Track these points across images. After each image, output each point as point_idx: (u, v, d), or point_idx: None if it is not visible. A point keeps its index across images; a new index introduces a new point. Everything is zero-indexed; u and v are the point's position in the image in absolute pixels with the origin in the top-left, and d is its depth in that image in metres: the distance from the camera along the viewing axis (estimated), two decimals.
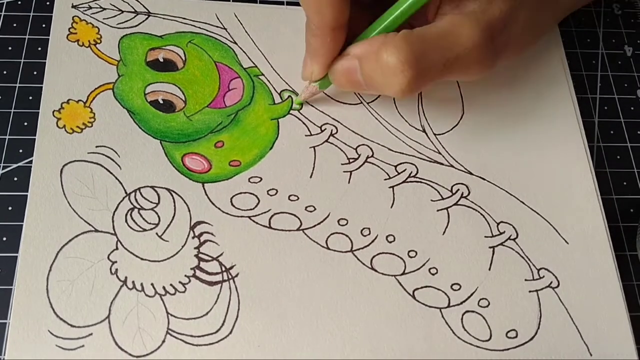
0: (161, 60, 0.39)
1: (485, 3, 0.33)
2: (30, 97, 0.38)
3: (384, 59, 0.31)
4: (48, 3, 0.41)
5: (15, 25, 0.40)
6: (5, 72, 0.39)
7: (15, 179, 0.36)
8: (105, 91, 0.38)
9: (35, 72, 0.39)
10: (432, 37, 0.32)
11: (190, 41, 0.40)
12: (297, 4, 0.43)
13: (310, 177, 0.37)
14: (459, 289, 0.35)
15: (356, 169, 0.38)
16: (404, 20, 0.33)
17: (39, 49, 0.39)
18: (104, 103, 0.37)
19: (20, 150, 0.37)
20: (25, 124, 0.37)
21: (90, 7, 0.40)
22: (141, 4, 0.40)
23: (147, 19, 0.40)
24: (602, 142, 0.42)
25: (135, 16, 0.40)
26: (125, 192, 0.35)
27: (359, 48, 0.33)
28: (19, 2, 0.41)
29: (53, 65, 0.38)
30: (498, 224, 0.37)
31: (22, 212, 0.34)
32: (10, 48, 0.39)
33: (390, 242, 0.36)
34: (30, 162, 0.36)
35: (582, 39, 0.45)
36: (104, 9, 0.40)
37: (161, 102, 0.38)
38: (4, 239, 0.34)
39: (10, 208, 0.35)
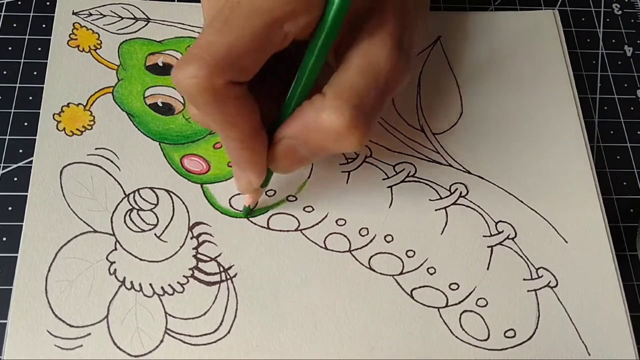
0: (160, 64, 0.39)
1: (378, 19, 0.30)
2: (31, 98, 0.38)
3: (329, 125, 0.29)
4: (48, 3, 0.41)
5: (15, 25, 0.41)
6: (5, 73, 0.39)
7: (15, 179, 0.36)
8: (105, 95, 0.38)
9: (35, 73, 0.39)
10: (355, 79, 0.29)
11: (189, 46, 0.40)
12: None
13: (309, 177, 0.37)
14: (457, 289, 0.35)
15: (354, 169, 0.38)
16: (314, 82, 0.30)
17: (39, 49, 0.40)
18: (104, 106, 0.38)
19: (20, 151, 0.37)
20: (26, 124, 0.38)
21: (90, 14, 0.40)
22: (140, 10, 0.41)
23: (146, 25, 0.41)
24: (602, 142, 0.42)
25: (134, 22, 0.41)
26: (124, 193, 0.36)
27: (291, 127, 0.31)
28: (19, 2, 0.42)
29: (53, 70, 0.38)
30: (496, 223, 0.37)
31: (22, 212, 0.35)
32: (10, 48, 0.40)
33: (389, 242, 0.36)
34: (31, 162, 0.36)
35: (582, 39, 0.45)
36: (104, 15, 0.41)
37: (160, 104, 0.38)
38: (4, 239, 0.35)
39: (10, 208, 0.36)
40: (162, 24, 0.41)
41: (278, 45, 0.29)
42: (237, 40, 0.27)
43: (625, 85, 0.44)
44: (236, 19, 0.28)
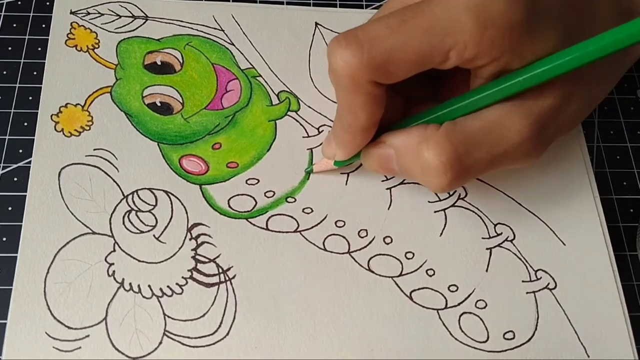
0: (159, 63, 0.39)
1: (536, 89, 0.29)
2: (30, 98, 0.38)
3: (424, 157, 0.29)
4: (48, 3, 0.41)
5: (15, 25, 0.41)
6: (5, 73, 0.39)
7: (15, 179, 0.36)
8: (103, 95, 0.38)
9: (35, 73, 0.39)
10: (477, 132, 0.29)
11: (188, 44, 0.40)
12: (296, 4, 0.43)
13: (308, 178, 0.37)
14: (456, 291, 0.35)
15: (353, 171, 0.38)
16: (449, 118, 0.31)
17: (39, 49, 0.40)
18: (102, 106, 0.38)
19: (20, 151, 0.37)
20: (25, 124, 0.38)
21: (88, 13, 0.40)
22: (139, 8, 0.41)
23: (144, 23, 0.40)
24: (602, 142, 0.42)
25: (132, 20, 0.40)
26: (123, 195, 0.35)
27: (397, 139, 0.31)
28: (19, 3, 0.41)
29: (51, 70, 0.38)
30: (495, 225, 0.37)
31: (21, 213, 0.34)
32: (10, 48, 0.40)
33: (388, 243, 0.36)
34: (30, 162, 0.36)
35: None
36: (102, 14, 0.40)
37: (159, 104, 0.38)
38: (4, 239, 0.35)
39: (10, 208, 0.35)
40: (161, 22, 0.41)
41: (437, 65, 0.29)
42: (401, 47, 0.28)
43: (625, 85, 0.44)
44: (412, 27, 0.28)
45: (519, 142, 0.30)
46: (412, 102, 0.34)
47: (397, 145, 0.31)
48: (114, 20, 0.40)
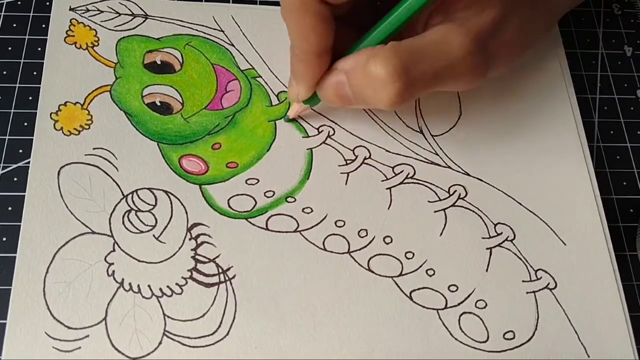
0: (158, 62, 0.39)
1: (475, 11, 0.32)
2: (30, 98, 0.38)
3: (372, 71, 0.31)
4: (48, 3, 0.41)
5: (15, 25, 0.40)
6: (5, 72, 0.39)
7: (15, 179, 0.36)
8: (102, 93, 0.38)
9: (35, 73, 0.39)
10: (421, 47, 0.31)
11: (188, 43, 0.40)
12: None
13: (308, 178, 0.37)
14: (456, 291, 0.35)
15: (353, 171, 0.38)
16: (392, 33, 0.32)
17: (39, 49, 0.40)
18: (102, 105, 0.37)
19: (20, 151, 0.37)
20: (25, 124, 0.37)
21: (87, 10, 0.40)
22: (139, 6, 0.41)
23: (144, 21, 0.40)
24: (602, 142, 0.42)
25: (132, 19, 0.40)
26: (122, 194, 0.35)
27: (347, 62, 0.33)
28: (19, 3, 0.41)
29: (50, 68, 0.38)
30: (495, 225, 0.37)
31: (21, 212, 0.34)
32: (10, 48, 0.40)
33: (388, 243, 0.36)
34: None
35: (582, 39, 0.45)
36: (102, 11, 0.40)
37: (158, 104, 0.38)
38: (4, 239, 0.35)
39: (10, 208, 0.35)
40: (161, 21, 0.40)
41: None
42: None
43: (625, 85, 0.44)
44: None
45: (462, 56, 0.31)
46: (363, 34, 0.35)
47: (347, 68, 0.33)
48: (113, 18, 0.40)
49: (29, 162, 0.36)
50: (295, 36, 0.33)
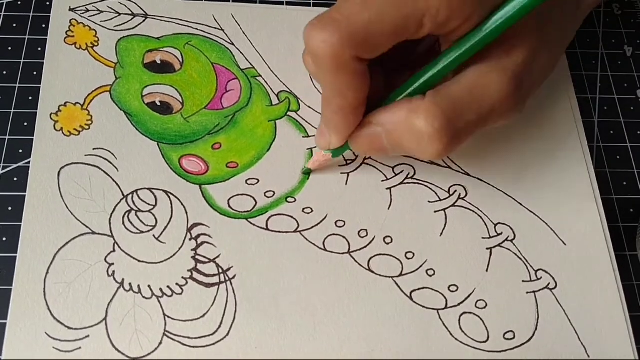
0: (158, 62, 0.39)
1: (507, 48, 0.31)
2: (30, 98, 0.38)
3: (416, 127, 0.30)
4: (48, 3, 0.41)
5: (15, 25, 0.40)
6: (5, 72, 0.39)
7: (15, 179, 0.36)
8: (102, 94, 0.38)
9: (35, 73, 0.39)
10: (461, 95, 0.30)
11: (188, 43, 0.40)
12: (296, 4, 0.43)
13: (308, 178, 0.37)
14: (456, 291, 0.35)
15: (353, 171, 0.38)
16: (431, 84, 0.31)
17: (39, 49, 0.40)
18: (102, 105, 0.37)
19: (20, 151, 0.37)
20: (25, 124, 0.37)
21: (87, 10, 0.40)
22: (138, 6, 0.40)
23: (144, 21, 0.40)
24: (602, 142, 0.42)
25: (132, 18, 0.40)
26: (123, 194, 0.35)
27: (384, 116, 0.32)
28: (19, 3, 0.41)
29: (50, 68, 0.38)
30: (495, 225, 0.37)
31: (21, 213, 0.34)
32: (10, 48, 0.40)
33: (388, 243, 0.36)
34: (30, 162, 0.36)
35: (582, 39, 0.45)
36: (101, 11, 0.40)
37: (158, 104, 0.38)
38: (4, 239, 0.35)
39: (10, 208, 0.35)
40: (160, 21, 0.40)
41: (412, 34, 0.29)
42: (376, 19, 0.28)
43: (625, 85, 0.44)
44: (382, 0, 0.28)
45: (502, 98, 0.30)
46: (394, 82, 0.34)
47: (385, 122, 0.32)
48: (113, 18, 0.40)
49: (29, 162, 0.36)
50: (330, 93, 0.31)
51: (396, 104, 0.31)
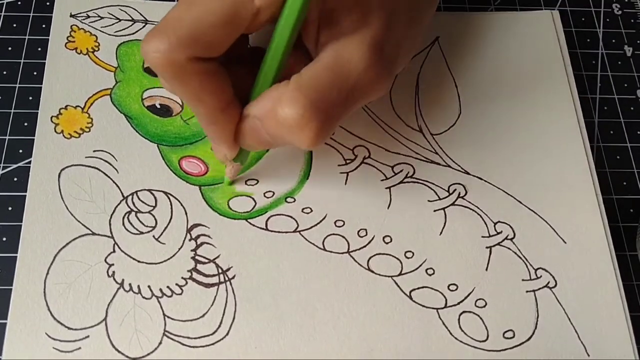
0: None
1: (359, 18, 0.29)
2: (30, 98, 0.38)
3: (283, 117, 0.28)
4: (48, 3, 0.41)
5: (15, 25, 0.41)
6: (5, 73, 0.39)
7: (15, 179, 0.36)
8: (103, 97, 0.38)
9: (35, 73, 0.39)
10: (323, 75, 0.29)
11: None
12: None
13: (307, 178, 0.37)
14: (455, 290, 0.35)
15: (353, 170, 0.38)
16: (281, 65, 0.30)
17: (39, 49, 0.40)
18: (102, 108, 0.38)
19: (20, 151, 0.37)
20: (25, 124, 0.38)
21: (88, 16, 0.40)
22: (138, 12, 0.41)
23: (144, 26, 0.40)
24: (602, 142, 0.42)
25: (132, 24, 0.41)
26: (123, 196, 0.36)
27: (254, 108, 0.30)
28: (19, 3, 0.42)
29: (51, 72, 0.38)
30: (495, 223, 0.37)
31: (22, 213, 0.35)
32: (10, 48, 0.40)
33: (387, 242, 0.36)
34: (30, 162, 0.36)
35: (582, 39, 0.45)
36: (102, 17, 0.41)
37: (158, 106, 0.38)
38: (4, 239, 0.35)
39: (10, 208, 0.36)
40: None
41: (248, 21, 0.28)
42: (204, 15, 0.27)
43: (625, 85, 0.44)
44: None
45: (365, 69, 0.29)
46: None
47: (257, 114, 0.30)
48: (113, 24, 0.40)
49: (29, 162, 0.36)
50: (190, 103, 0.30)
51: (265, 93, 0.30)
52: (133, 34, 0.40)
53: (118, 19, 0.41)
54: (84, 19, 0.40)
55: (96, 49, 0.40)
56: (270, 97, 0.29)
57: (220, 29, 0.28)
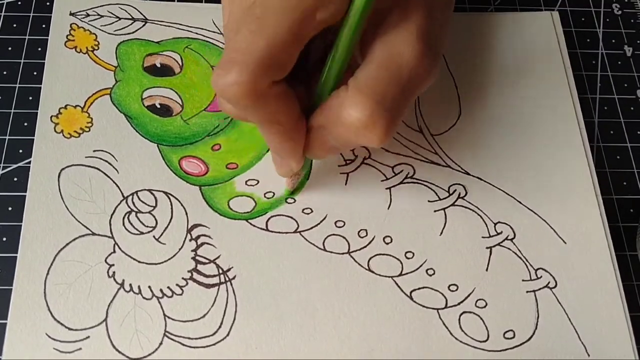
0: (158, 65, 0.39)
1: (402, 11, 0.30)
2: (30, 98, 0.38)
3: (349, 120, 0.29)
4: (48, 3, 0.41)
5: (15, 25, 0.41)
6: (5, 73, 0.39)
7: (15, 179, 0.36)
8: (102, 96, 0.38)
9: (35, 73, 0.39)
10: (378, 73, 0.29)
11: (187, 46, 0.40)
12: None
13: (307, 179, 0.37)
14: (456, 290, 0.35)
15: (353, 171, 0.38)
16: (343, 68, 0.30)
17: (39, 49, 0.40)
18: (102, 108, 0.38)
19: (20, 151, 0.37)
20: (25, 124, 0.38)
21: (87, 15, 0.40)
22: (138, 10, 0.41)
23: (144, 25, 0.40)
24: (602, 142, 0.42)
25: (132, 23, 0.40)
26: (123, 196, 0.36)
27: (319, 118, 0.31)
28: (19, 3, 0.41)
29: (51, 71, 0.38)
30: (495, 224, 0.37)
31: (22, 212, 0.35)
32: (10, 48, 0.40)
33: (388, 243, 0.36)
34: (30, 162, 0.36)
35: (582, 39, 0.45)
36: (102, 16, 0.40)
37: (158, 106, 0.38)
38: (4, 239, 0.35)
39: (10, 208, 0.36)
40: (160, 25, 0.41)
41: (311, 33, 0.28)
42: (275, 38, 0.27)
43: (625, 85, 0.44)
44: (270, 17, 0.27)
45: (417, 60, 0.29)
46: (314, 76, 0.32)
47: (323, 123, 0.31)
48: (113, 23, 0.40)
49: (29, 162, 0.36)
50: (266, 126, 0.31)
51: (327, 102, 0.30)
52: (133, 32, 0.40)
53: (118, 17, 0.41)
54: (83, 18, 0.40)
55: (96, 47, 0.39)
56: (333, 105, 0.30)
57: (291, 48, 0.28)
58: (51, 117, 0.37)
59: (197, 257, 0.35)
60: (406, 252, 0.36)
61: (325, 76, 0.30)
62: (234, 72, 0.27)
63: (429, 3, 0.31)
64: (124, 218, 0.35)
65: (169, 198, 0.36)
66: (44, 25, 0.40)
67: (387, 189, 0.37)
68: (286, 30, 0.27)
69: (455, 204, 0.37)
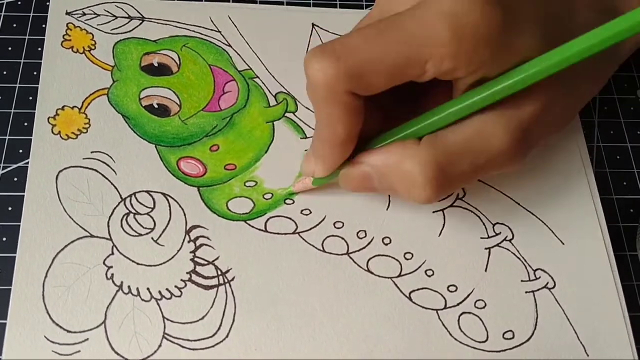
0: (156, 64, 0.39)
1: (516, 98, 0.29)
2: (30, 98, 0.38)
3: (409, 174, 0.29)
4: (48, 3, 0.41)
5: (15, 25, 0.40)
6: (5, 73, 0.39)
7: (15, 179, 0.36)
8: (100, 97, 0.38)
9: (35, 73, 0.39)
10: (458, 144, 0.29)
11: (185, 45, 0.40)
12: (296, 4, 0.43)
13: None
14: (455, 291, 0.35)
15: None
16: (427, 132, 0.30)
17: (39, 49, 0.39)
18: (99, 109, 0.37)
19: (20, 151, 0.37)
20: (25, 124, 0.38)
21: (84, 14, 0.40)
22: (135, 9, 0.41)
23: (141, 24, 0.40)
24: (602, 142, 0.42)
25: (129, 21, 0.40)
26: (121, 197, 0.35)
27: (376, 157, 0.31)
28: (19, 3, 0.41)
29: (48, 72, 0.38)
30: (494, 225, 0.37)
31: (21, 213, 0.34)
32: (10, 48, 0.40)
33: (386, 244, 0.36)
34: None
35: None
36: (98, 15, 0.40)
37: (156, 106, 0.38)
38: (4, 239, 0.35)
39: (9, 208, 0.35)
40: (157, 23, 0.40)
41: (413, 78, 0.29)
42: (377, 58, 0.28)
43: (625, 85, 0.44)
44: (388, 37, 0.28)
45: (501, 151, 0.29)
46: (390, 117, 0.33)
47: (377, 164, 0.31)
48: (110, 21, 0.40)
49: (28, 163, 0.36)
50: (321, 123, 0.31)
51: (390, 146, 0.31)
52: (129, 31, 0.40)
53: (114, 16, 0.40)
54: (79, 17, 0.40)
55: (92, 47, 0.39)
56: (397, 152, 0.30)
57: (384, 78, 0.28)
58: (48, 118, 0.37)
59: (195, 259, 0.35)
60: (405, 253, 0.36)
61: (409, 124, 0.31)
62: (326, 61, 0.28)
63: (553, 99, 0.30)
64: (122, 220, 0.35)
65: (167, 199, 0.36)
66: (43, 25, 0.40)
67: None
68: (391, 59, 0.28)
69: (454, 205, 0.37)
